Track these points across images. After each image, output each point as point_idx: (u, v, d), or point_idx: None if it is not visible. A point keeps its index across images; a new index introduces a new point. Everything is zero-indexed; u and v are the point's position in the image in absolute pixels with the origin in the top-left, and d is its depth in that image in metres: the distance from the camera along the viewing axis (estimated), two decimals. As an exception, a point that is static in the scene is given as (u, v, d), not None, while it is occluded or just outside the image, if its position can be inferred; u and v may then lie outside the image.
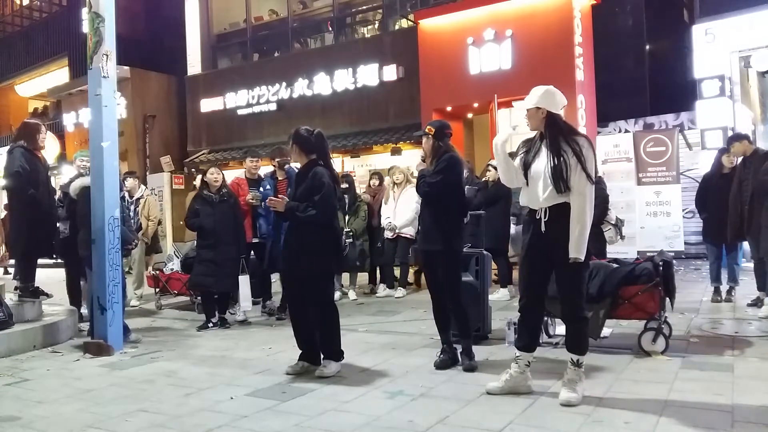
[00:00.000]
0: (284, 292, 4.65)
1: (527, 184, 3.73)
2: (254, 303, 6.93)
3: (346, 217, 7.98)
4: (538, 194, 3.64)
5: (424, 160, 4.73)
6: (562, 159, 3.53)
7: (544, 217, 3.63)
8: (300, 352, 4.54)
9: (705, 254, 7.82)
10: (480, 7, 11.22)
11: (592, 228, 7.63)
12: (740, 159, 6.49)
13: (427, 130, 4.57)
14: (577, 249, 3.53)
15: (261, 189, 6.86)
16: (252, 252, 6.92)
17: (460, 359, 4.47)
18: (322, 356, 4.45)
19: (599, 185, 7.44)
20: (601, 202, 7.32)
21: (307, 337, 4.52)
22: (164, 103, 16.17)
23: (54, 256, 6.64)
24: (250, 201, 6.83)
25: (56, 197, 6.53)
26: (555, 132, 3.63)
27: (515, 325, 5.14)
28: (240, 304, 6.63)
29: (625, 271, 4.64)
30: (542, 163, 3.63)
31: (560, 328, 5.14)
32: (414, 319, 6.45)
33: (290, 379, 4.31)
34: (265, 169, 7.67)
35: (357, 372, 4.42)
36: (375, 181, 8.93)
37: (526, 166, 3.72)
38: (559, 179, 3.52)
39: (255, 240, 6.90)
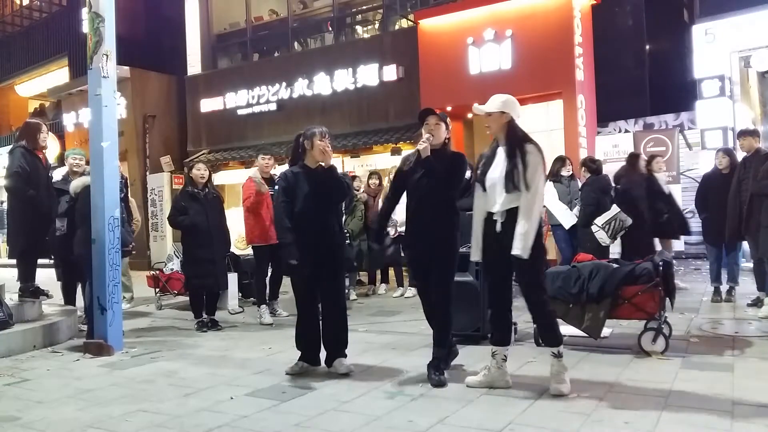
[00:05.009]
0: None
1: (485, 190, 3.88)
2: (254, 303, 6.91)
3: (344, 218, 7.94)
4: (495, 198, 3.80)
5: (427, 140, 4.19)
6: (514, 163, 3.74)
7: (501, 220, 3.78)
8: (300, 353, 4.53)
9: (705, 254, 7.81)
10: (480, 7, 11.21)
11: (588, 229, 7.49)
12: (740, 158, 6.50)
13: (448, 121, 4.39)
14: (519, 245, 3.66)
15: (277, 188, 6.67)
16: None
17: (431, 370, 4.10)
18: (325, 356, 4.47)
19: (586, 187, 7.28)
20: (584, 204, 7.20)
21: (312, 336, 4.51)
22: (164, 103, 16.15)
23: (51, 256, 6.62)
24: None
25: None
26: (513, 137, 3.85)
27: (515, 324, 5.16)
28: (228, 303, 6.58)
29: (625, 272, 4.64)
30: (498, 168, 3.81)
31: (562, 329, 5.14)
32: (414, 319, 6.44)
33: (290, 379, 4.31)
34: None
35: (357, 372, 4.41)
36: (375, 181, 8.90)
37: (483, 175, 3.90)
38: (510, 182, 3.72)
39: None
